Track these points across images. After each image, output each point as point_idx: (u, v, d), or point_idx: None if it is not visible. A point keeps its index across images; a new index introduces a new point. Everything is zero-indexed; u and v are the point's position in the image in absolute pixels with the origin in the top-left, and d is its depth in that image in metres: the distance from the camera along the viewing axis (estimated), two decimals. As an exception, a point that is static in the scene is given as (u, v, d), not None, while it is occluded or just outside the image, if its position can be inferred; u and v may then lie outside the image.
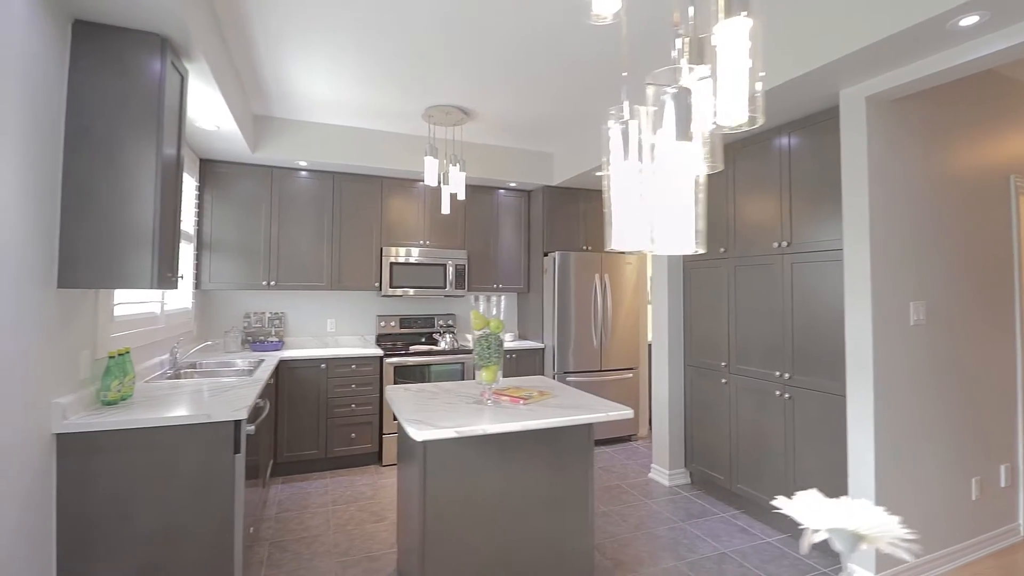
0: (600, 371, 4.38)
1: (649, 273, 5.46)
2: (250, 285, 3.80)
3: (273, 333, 4.08)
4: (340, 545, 2.64)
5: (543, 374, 4.42)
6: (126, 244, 1.83)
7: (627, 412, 1.97)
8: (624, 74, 1.13)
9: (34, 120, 1.59)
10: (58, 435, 1.75)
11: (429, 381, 3.99)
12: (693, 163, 0.83)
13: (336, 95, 3.26)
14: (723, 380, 3.20)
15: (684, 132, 0.82)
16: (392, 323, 4.40)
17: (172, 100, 2.00)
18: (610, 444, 4.43)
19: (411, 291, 4.16)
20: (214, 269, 3.70)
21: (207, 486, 1.91)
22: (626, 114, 1.07)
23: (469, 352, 4.13)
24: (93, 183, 1.80)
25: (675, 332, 3.59)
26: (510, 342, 4.58)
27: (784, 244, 2.79)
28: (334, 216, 4.04)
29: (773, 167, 2.88)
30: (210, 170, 3.71)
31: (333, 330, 4.31)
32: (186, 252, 3.45)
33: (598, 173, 4.07)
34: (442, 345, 4.19)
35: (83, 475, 1.78)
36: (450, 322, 4.61)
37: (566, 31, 2.44)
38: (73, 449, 1.77)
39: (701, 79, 0.85)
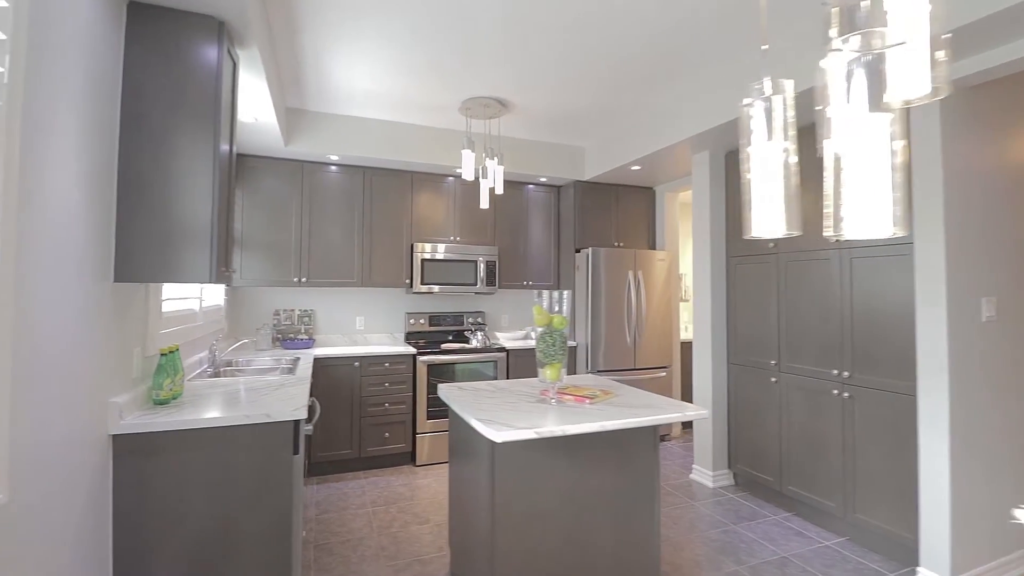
0: (633, 369, 4.30)
1: (681, 270, 5.38)
2: (281, 282, 3.72)
3: (303, 331, 4.01)
4: (387, 548, 2.56)
5: (576, 373, 4.34)
6: (185, 237, 1.75)
7: (703, 412, 1.88)
8: (764, 47, 1.04)
9: (95, 104, 1.51)
10: (114, 436, 1.68)
11: (462, 380, 3.92)
12: (883, 138, 0.74)
13: (374, 86, 3.18)
14: (772, 379, 3.11)
15: (877, 103, 0.73)
16: (421, 321, 4.32)
17: (227, 88, 1.92)
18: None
19: (438, 288, 4.08)
20: (245, 265, 3.63)
21: (265, 487, 1.84)
22: (767, 89, 0.99)
23: (501, 350, 4.06)
24: (148, 172, 1.73)
25: (718, 330, 3.50)
26: (540, 340, 4.50)
27: (841, 238, 2.70)
28: (364, 211, 3.96)
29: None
30: (242, 164, 3.63)
31: (362, 328, 4.24)
32: (219, 248, 3.38)
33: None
34: (474, 343, 4.11)
35: (140, 477, 1.71)
36: (480, 319, 4.53)
37: (614, 18, 2.35)
38: (130, 450, 1.70)
39: (887, 47, 0.76)
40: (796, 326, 2.97)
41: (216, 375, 2.76)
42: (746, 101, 1.00)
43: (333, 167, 3.89)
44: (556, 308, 2.08)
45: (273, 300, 3.99)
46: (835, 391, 2.72)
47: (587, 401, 2.00)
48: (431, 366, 3.82)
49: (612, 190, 4.55)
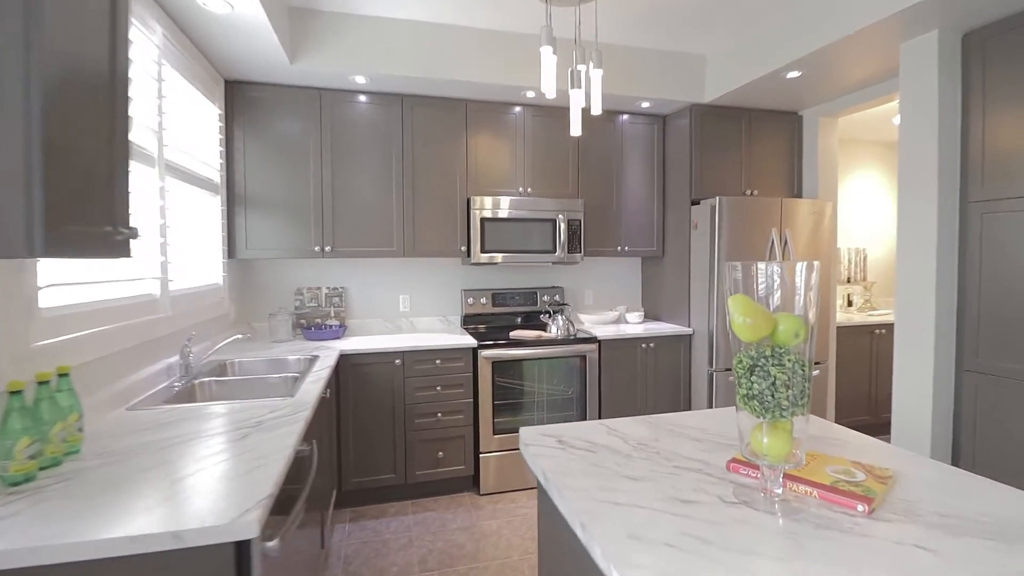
0: (773, 366, 3.10)
1: (841, 226, 4.03)
2: (299, 252, 2.82)
3: (332, 314, 3.12)
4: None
5: (691, 370, 3.20)
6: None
7: None
8: None
9: None
10: None
11: (538, 381, 2.89)
12: None
13: (405, -48, 2.09)
14: (1071, 403, 1.85)
15: None
16: (483, 300, 3.32)
17: None
18: (785, 466, 3.18)
19: (503, 257, 3.03)
20: (252, 231, 2.74)
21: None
22: None
23: (591, 340, 2.98)
24: None
25: (943, 317, 2.23)
26: (636, 324, 3.39)
27: None
28: (404, 156, 2.95)
29: None
30: (239, 95, 2.70)
31: (407, 309, 3.30)
32: (211, 206, 2.49)
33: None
34: (553, 330, 3.06)
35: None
36: (558, 297, 3.47)
37: None
38: None
39: None
40: None
41: (191, 388, 1.88)
42: None
43: (361, 96, 2.88)
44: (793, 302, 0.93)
45: (295, 276, 3.11)
46: None
47: (860, 507, 0.89)
48: (497, 364, 2.82)
49: (741, 117, 3.26)
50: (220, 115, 2.60)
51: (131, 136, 1.54)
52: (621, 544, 0.79)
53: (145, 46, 1.76)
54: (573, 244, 3.14)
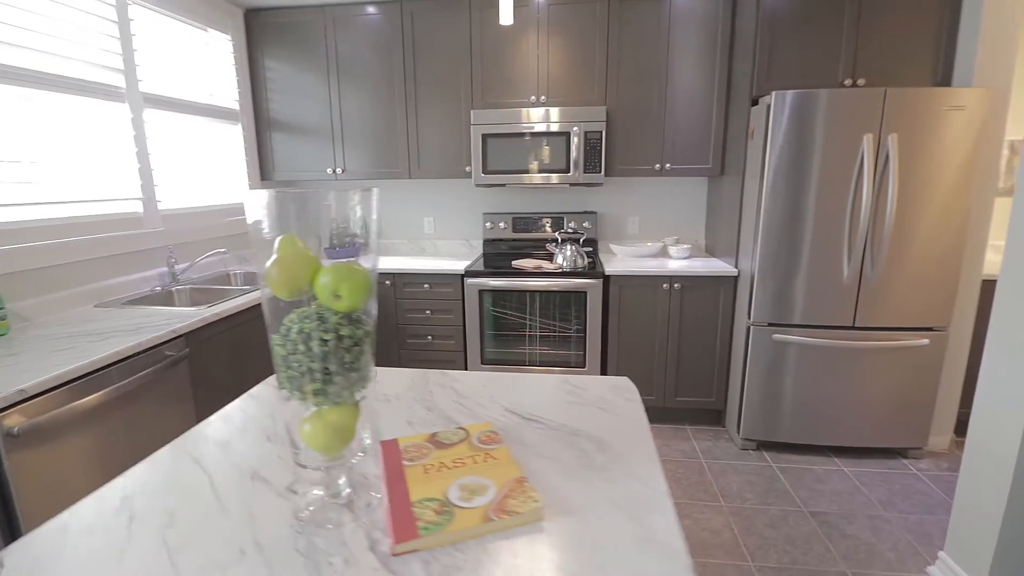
0: (853, 328, 2.28)
1: (1007, 133, 2.68)
2: (317, 174, 3.00)
3: (360, 235, 3.30)
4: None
5: (734, 321, 2.57)
6: None
7: None
8: None
9: None
10: None
11: (529, 313, 2.67)
12: None
13: None
14: None
15: None
16: (502, 224, 3.12)
17: None
18: (860, 457, 2.43)
19: (507, 179, 2.74)
20: (278, 155, 3.00)
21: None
22: None
23: (595, 275, 2.59)
24: None
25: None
26: (679, 259, 2.79)
27: None
28: (406, 69, 2.79)
29: None
30: (256, 22, 2.85)
31: (431, 232, 3.30)
32: (227, 133, 2.78)
33: None
34: (559, 260, 2.74)
35: None
36: (587, 224, 3.06)
37: None
38: None
39: None
40: None
41: (168, 293, 2.25)
42: None
43: (359, 8, 2.76)
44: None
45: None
46: None
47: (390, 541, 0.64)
48: (485, 293, 2.68)
49: (854, -36, 2.20)
50: (234, 45, 2.79)
51: (70, 72, 1.78)
52: None
53: (97, -14, 1.96)
54: (592, 162, 2.67)
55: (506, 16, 1.74)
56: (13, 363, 1.35)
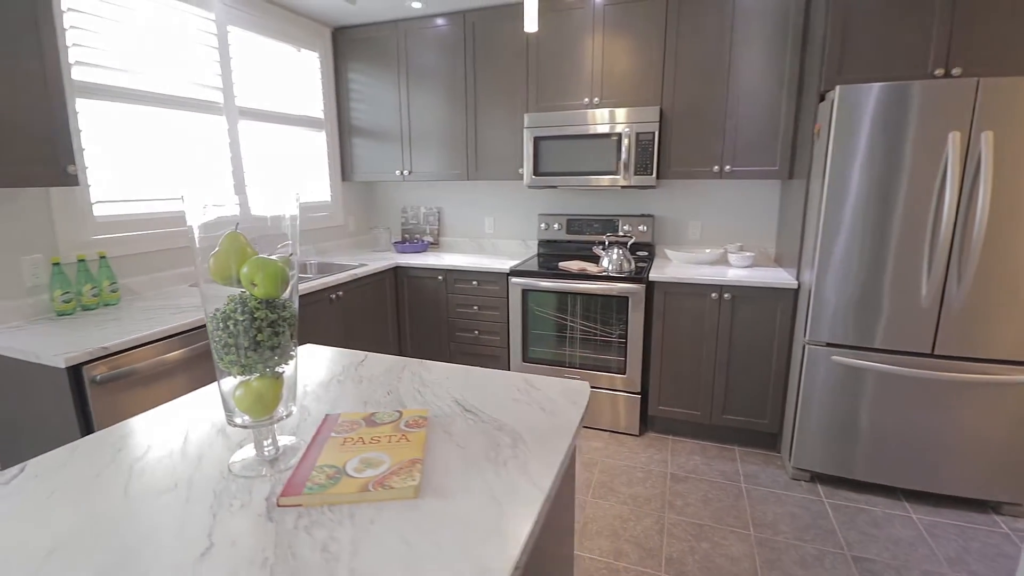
0: (933, 356, 1.99)
1: None
2: (388, 176, 3.26)
3: (428, 231, 3.53)
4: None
5: (792, 338, 2.36)
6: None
7: None
8: None
9: None
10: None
11: (570, 315, 2.68)
12: None
13: None
14: None
15: None
16: (556, 225, 3.14)
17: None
18: (938, 505, 2.11)
19: (559, 181, 2.76)
20: (357, 158, 3.32)
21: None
22: None
23: (639, 280, 2.52)
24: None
25: None
26: (740, 268, 2.62)
27: None
28: (467, 76, 2.94)
29: None
30: (342, 40, 3.17)
31: (491, 232, 3.42)
32: (312, 139, 3.13)
33: None
34: (604, 263, 2.71)
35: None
36: (643, 227, 2.97)
37: None
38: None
39: None
40: None
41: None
42: None
43: (427, 21, 2.95)
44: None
45: (403, 196, 3.61)
46: None
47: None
48: (529, 292, 2.73)
49: (953, -65, 1.90)
50: (321, 60, 3.13)
51: (174, 91, 2.16)
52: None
53: (198, 21, 2.34)
54: (643, 164, 2.60)
55: (531, 23, 1.78)
56: (115, 324, 1.70)
